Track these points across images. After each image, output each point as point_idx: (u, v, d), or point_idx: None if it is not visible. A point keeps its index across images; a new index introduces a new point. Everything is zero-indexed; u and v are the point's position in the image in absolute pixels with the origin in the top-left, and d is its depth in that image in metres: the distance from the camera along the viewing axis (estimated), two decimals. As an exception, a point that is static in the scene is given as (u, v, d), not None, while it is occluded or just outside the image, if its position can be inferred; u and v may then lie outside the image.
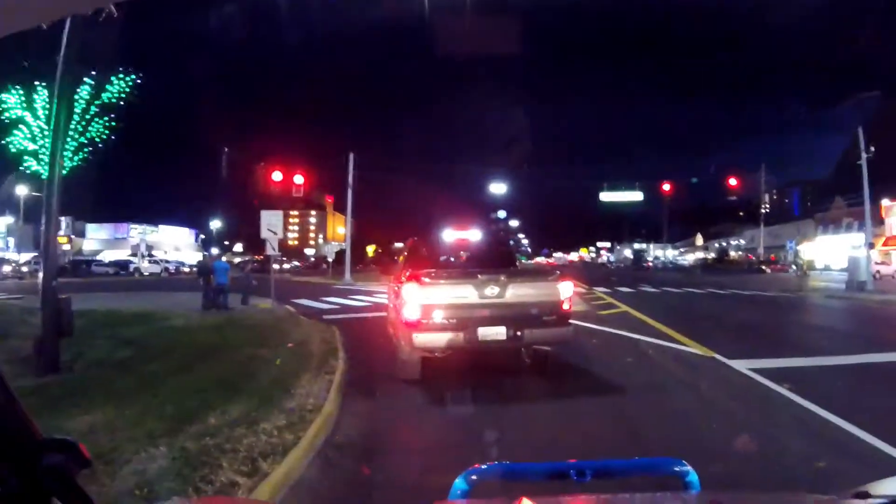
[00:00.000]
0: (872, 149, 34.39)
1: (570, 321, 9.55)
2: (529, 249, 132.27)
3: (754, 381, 9.36)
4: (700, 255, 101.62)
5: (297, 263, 74.00)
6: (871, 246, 37.00)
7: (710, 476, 1.88)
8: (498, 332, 8.78)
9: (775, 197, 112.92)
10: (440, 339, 8.61)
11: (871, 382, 9.60)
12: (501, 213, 65.65)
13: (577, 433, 6.78)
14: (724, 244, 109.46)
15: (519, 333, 8.82)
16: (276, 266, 26.18)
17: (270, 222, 19.95)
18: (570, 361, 10.68)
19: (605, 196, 46.28)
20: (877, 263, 45.51)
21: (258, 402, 7.13)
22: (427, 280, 8.76)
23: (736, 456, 5.88)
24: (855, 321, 20.70)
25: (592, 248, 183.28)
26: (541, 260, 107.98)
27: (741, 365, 10.38)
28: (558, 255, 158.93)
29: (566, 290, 9.30)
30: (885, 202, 66.88)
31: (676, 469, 1.83)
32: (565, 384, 9.26)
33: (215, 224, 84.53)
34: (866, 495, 1.36)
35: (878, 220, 62.87)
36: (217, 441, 5.64)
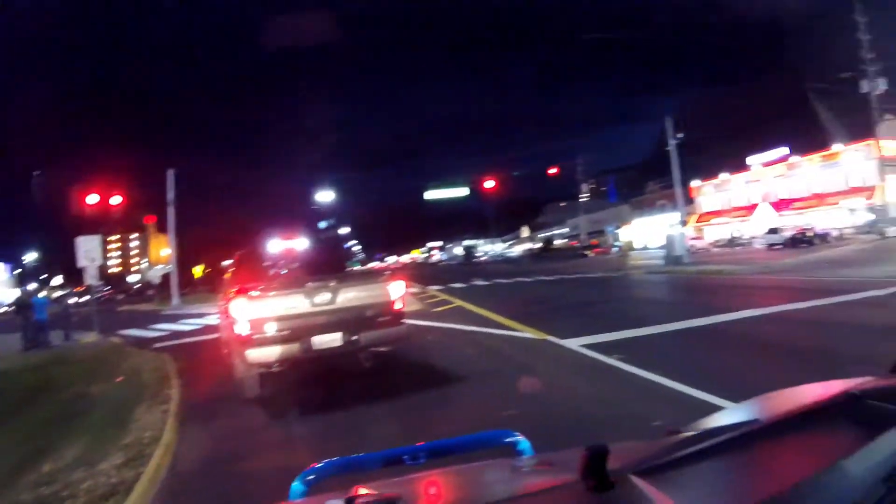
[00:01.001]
0: (681, 135, 37.46)
1: (405, 320, 9.71)
2: (363, 255, 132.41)
3: (587, 356, 10.07)
4: (528, 245, 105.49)
5: (107, 292, 68.72)
6: (684, 223, 40.18)
7: (548, 445, 2.01)
8: (333, 339, 8.79)
9: (593, 185, 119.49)
10: (274, 352, 8.44)
11: (692, 344, 10.75)
12: (330, 221, 64.85)
13: (421, 424, 7.13)
14: (550, 233, 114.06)
15: (355, 338, 8.90)
16: (93, 296, 24.81)
17: (88, 249, 18.79)
18: (410, 359, 10.96)
19: (430, 194, 47.02)
20: (691, 239, 49.64)
21: (93, 441, 6.87)
22: (255, 293, 8.59)
23: (574, 423, 6.30)
24: (675, 292, 22.38)
25: (424, 249, 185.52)
26: (374, 265, 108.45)
27: (573, 343, 11.08)
28: (391, 258, 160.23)
29: (398, 290, 9.47)
30: (694, 183, 73.92)
31: (508, 440, 1.94)
32: (406, 381, 9.48)
33: (31, 256, 78.20)
34: (677, 431, 1.54)
35: (690, 200, 69.05)
36: (54, 489, 5.41)
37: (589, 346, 10.60)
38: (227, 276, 12.66)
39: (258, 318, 8.42)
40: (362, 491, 1.32)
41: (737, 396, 6.33)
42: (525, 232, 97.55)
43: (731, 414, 1.73)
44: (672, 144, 37.78)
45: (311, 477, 1.77)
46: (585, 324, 13.44)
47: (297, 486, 1.74)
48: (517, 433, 1.95)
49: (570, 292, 25.17)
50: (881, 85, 41.64)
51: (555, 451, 1.82)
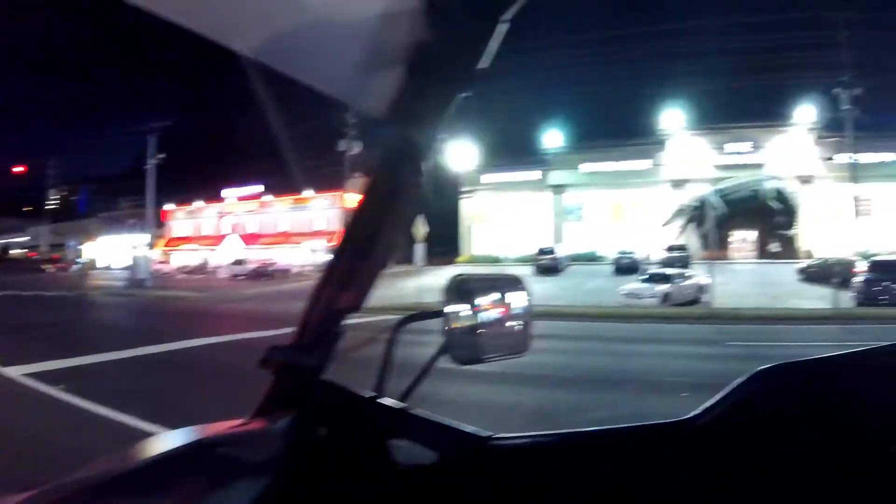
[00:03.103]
0: (162, 156, 37.45)
1: None
2: None
3: (28, 386, 9.45)
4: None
5: None
6: (152, 246, 39.98)
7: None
8: None
9: (66, 193, 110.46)
10: None
11: (143, 372, 10.76)
12: None
13: None
14: (6, 241, 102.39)
15: None
16: None
17: None
18: None
19: None
20: (158, 262, 49.53)
21: None
22: None
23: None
24: (134, 316, 22.27)
25: None
26: None
27: (15, 371, 10.22)
28: None
29: None
30: (168, 206, 73.94)
31: None
32: None
33: None
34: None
35: (162, 223, 69.20)
36: None
37: (33, 375, 9.92)
38: None
39: None
40: None
41: (177, 424, 6.68)
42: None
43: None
44: (151, 164, 37.55)
45: None
46: (34, 348, 12.54)
47: None
48: None
49: (20, 311, 23.22)
50: (356, 147, 48.17)
51: None
